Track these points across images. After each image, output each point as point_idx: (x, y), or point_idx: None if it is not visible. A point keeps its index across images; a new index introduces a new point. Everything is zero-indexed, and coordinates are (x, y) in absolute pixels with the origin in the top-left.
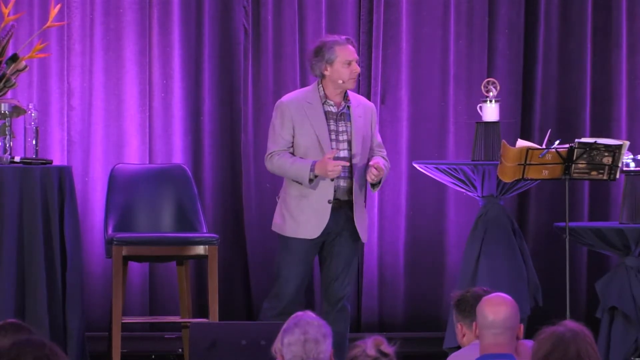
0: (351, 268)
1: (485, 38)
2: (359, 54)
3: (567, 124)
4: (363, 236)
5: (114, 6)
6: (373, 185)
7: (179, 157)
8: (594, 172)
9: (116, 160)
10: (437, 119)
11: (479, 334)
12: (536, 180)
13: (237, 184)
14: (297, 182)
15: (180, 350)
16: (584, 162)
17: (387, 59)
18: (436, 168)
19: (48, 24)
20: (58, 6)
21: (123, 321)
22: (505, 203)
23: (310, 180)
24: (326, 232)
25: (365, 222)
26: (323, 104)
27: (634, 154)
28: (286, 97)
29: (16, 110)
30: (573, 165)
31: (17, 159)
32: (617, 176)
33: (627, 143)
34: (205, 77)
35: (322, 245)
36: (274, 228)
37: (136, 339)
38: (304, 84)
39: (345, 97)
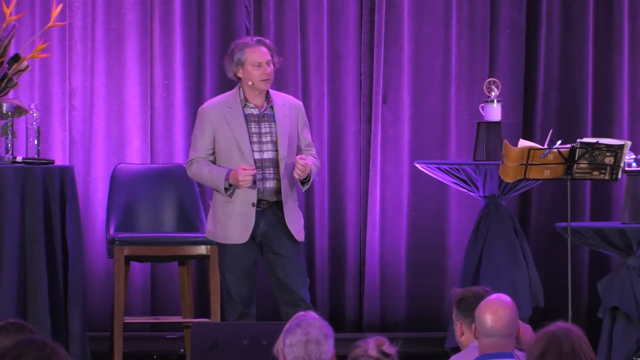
0: (300, 268)
1: (487, 38)
2: (361, 55)
3: (569, 124)
4: (297, 235)
5: (116, 6)
6: (302, 183)
7: (180, 157)
8: (595, 172)
9: (118, 160)
10: (439, 119)
11: (477, 338)
12: (538, 180)
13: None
14: (216, 190)
15: (182, 350)
16: (585, 162)
17: (389, 59)
18: (438, 168)
19: (50, 24)
20: (60, 6)
21: (125, 321)
22: (507, 203)
23: (226, 189)
24: (257, 234)
25: (299, 221)
26: (243, 107)
27: (636, 154)
28: (207, 103)
29: (18, 110)
30: (575, 165)
31: (19, 159)
32: (619, 176)
33: (629, 143)
34: (207, 76)
35: (260, 248)
36: (207, 235)
37: (138, 339)
38: (305, 84)
39: (267, 98)
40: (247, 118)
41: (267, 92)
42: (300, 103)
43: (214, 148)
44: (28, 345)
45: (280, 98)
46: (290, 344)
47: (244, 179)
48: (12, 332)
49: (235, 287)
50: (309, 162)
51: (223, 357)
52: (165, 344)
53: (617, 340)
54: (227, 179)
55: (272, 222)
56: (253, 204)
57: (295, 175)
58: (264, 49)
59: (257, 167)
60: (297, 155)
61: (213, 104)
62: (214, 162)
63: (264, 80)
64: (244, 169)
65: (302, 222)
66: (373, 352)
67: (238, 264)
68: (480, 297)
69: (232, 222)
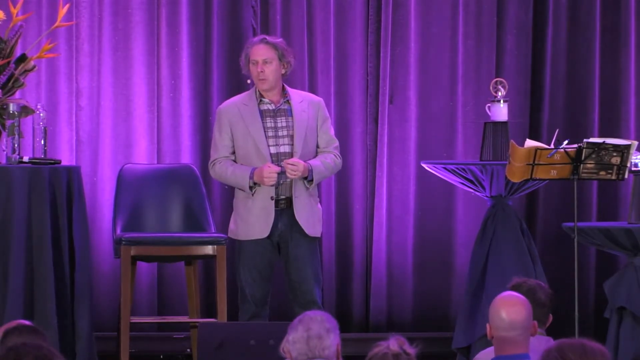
0: (314, 269)
1: (494, 38)
2: (367, 55)
3: (576, 124)
4: (309, 230)
5: (123, 6)
6: (306, 181)
7: (187, 157)
8: (602, 172)
9: (124, 160)
10: (446, 119)
11: (493, 335)
12: (544, 180)
13: None
14: (240, 189)
15: (188, 350)
16: (592, 162)
17: (396, 59)
18: (444, 168)
19: (56, 24)
20: (67, 6)
21: (131, 321)
22: (513, 203)
23: (251, 188)
24: (276, 231)
25: (313, 215)
26: (259, 103)
27: None
28: (224, 103)
29: (25, 111)
30: (581, 165)
31: (25, 159)
32: (626, 176)
33: (636, 143)
34: (214, 77)
35: (278, 249)
36: (230, 234)
37: (145, 339)
38: (312, 83)
39: (284, 93)
40: (263, 113)
41: (284, 88)
42: (320, 99)
43: (234, 146)
44: (22, 349)
45: (298, 95)
46: (293, 340)
47: (269, 176)
48: (16, 334)
49: (250, 286)
50: (301, 163)
51: (230, 357)
52: (172, 344)
53: (624, 340)
54: (251, 177)
55: (289, 222)
56: (272, 198)
57: (289, 175)
58: (263, 47)
59: (273, 162)
60: (317, 152)
61: (229, 103)
62: (235, 161)
63: (259, 79)
64: (269, 167)
65: (317, 216)
66: (395, 347)
67: (254, 264)
68: (534, 291)
69: (252, 217)
